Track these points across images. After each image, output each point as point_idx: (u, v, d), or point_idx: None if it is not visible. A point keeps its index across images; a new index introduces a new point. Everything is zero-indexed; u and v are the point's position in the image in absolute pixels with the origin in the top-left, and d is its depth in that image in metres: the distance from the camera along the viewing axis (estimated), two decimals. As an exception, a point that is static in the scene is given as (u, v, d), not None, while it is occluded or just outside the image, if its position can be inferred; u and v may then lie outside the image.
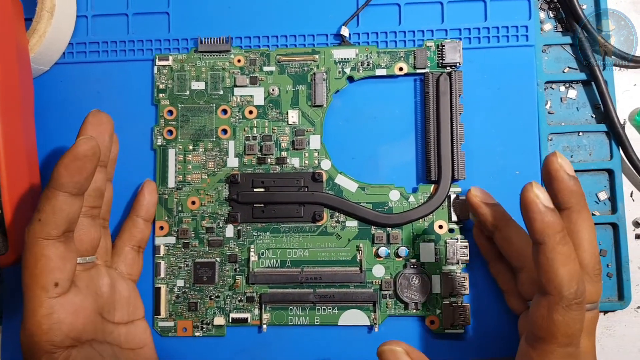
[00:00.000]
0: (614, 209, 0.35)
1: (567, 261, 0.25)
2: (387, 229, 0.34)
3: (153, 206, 0.34)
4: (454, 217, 0.34)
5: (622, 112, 0.36)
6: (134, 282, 0.33)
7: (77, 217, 0.27)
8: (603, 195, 0.35)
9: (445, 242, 0.34)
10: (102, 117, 0.30)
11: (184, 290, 0.35)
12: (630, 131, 0.35)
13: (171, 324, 0.34)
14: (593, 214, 0.35)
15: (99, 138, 0.28)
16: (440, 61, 0.34)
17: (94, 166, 0.26)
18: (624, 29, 0.35)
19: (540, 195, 0.25)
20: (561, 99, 0.36)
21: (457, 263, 0.33)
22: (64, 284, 0.26)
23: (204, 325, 0.34)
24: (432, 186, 0.34)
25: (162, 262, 0.35)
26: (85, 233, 0.29)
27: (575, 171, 0.35)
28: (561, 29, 0.36)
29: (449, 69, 0.34)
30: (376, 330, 0.33)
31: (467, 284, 0.33)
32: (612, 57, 0.35)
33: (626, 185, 0.35)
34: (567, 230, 0.26)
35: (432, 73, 0.34)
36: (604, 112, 0.35)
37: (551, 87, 0.36)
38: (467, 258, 0.33)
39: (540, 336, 0.26)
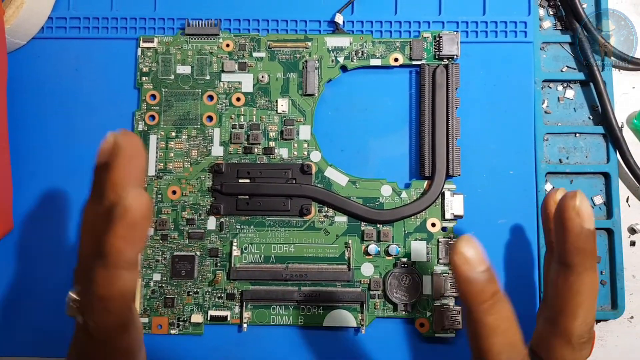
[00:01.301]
0: (609, 214, 0.34)
1: (493, 333, 0.22)
2: (378, 225, 0.32)
3: None
4: (447, 215, 0.32)
5: (620, 114, 0.35)
6: None
7: None
8: (598, 200, 0.34)
9: (438, 241, 0.32)
10: (135, 143, 0.20)
11: (160, 285, 0.33)
12: (627, 134, 0.34)
13: (145, 320, 0.32)
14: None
15: (138, 175, 0.20)
16: (437, 53, 0.33)
17: (150, 222, 0.21)
18: (624, 29, 0.35)
19: (470, 259, 0.21)
20: (558, 98, 0.35)
21: (450, 263, 0.32)
22: None
23: (181, 323, 0.32)
24: (426, 182, 0.33)
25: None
26: None
27: (571, 174, 0.34)
28: (560, 27, 0.35)
29: (445, 61, 0.33)
30: (363, 332, 0.32)
31: (459, 285, 0.32)
32: (612, 58, 0.34)
33: (622, 190, 0.34)
34: (561, 291, 0.23)
35: (428, 65, 0.33)
36: (601, 114, 0.34)
37: (548, 86, 0.35)
38: (460, 258, 0.32)
39: None
